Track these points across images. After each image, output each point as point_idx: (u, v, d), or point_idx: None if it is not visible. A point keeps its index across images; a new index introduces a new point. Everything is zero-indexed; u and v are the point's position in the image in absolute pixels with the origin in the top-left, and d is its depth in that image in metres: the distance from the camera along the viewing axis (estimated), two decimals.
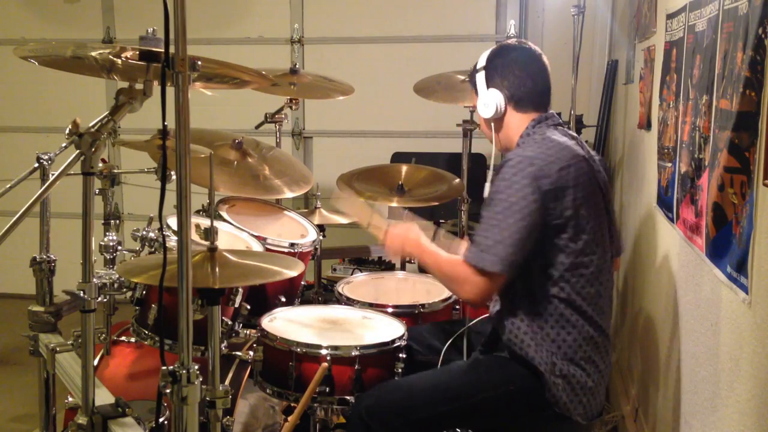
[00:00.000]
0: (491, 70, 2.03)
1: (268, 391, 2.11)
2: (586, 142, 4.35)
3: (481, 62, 2.05)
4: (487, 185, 2.01)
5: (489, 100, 2.01)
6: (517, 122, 2.02)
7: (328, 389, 2.00)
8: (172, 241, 2.24)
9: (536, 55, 2.05)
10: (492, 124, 2.06)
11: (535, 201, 1.82)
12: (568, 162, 1.88)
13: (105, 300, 2.24)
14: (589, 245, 1.89)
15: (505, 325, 1.96)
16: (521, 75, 2.02)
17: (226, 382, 2.28)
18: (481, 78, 2.04)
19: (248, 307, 2.24)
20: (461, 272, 1.88)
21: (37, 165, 2.08)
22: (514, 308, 1.94)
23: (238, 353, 2.38)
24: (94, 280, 1.70)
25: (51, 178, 1.73)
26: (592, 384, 1.91)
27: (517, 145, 2.00)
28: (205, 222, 1.90)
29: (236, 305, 2.19)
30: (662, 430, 2.36)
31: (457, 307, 2.56)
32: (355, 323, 2.28)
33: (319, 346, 2.03)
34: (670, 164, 2.31)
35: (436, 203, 3.17)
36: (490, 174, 2.04)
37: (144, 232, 2.42)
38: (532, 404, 1.93)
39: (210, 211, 1.95)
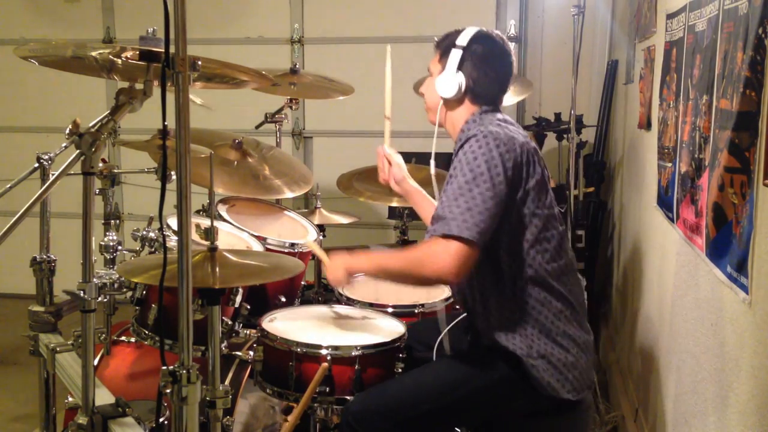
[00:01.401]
0: (468, 54, 2.00)
1: (268, 391, 2.11)
2: (586, 142, 4.38)
3: (462, 41, 2.00)
4: (432, 162, 2.11)
5: (452, 82, 1.99)
6: (465, 110, 2.04)
7: (328, 389, 2.00)
8: (172, 241, 2.24)
9: (511, 59, 2.05)
10: (441, 101, 2.05)
11: (501, 173, 1.83)
12: (524, 140, 1.91)
13: (105, 300, 2.24)
14: (550, 220, 1.92)
15: (476, 315, 1.99)
16: (492, 75, 2.02)
17: (226, 382, 2.28)
18: (455, 56, 1.99)
19: (248, 307, 2.24)
20: (426, 249, 1.83)
21: (37, 165, 2.08)
22: (481, 298, 1.96)
23: (238, 353, 2.37)
24: (94, 280, 1.70)
25: (51, 178, 1.73)
26: (572, 358, 1.90)
27: (462, 131, 2.01)
28: (205, 222, 1.91)
29: (236, 305, 2.19)
30: (662, 430, 2.36)
31: (457, 306, 2.56)
32: (355, 323, 2.28)
33: (319, 346, 2.03)
34: (670, 164, 2.31)
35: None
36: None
37: (144, 232, 2.42)
38: (520, 390, 1.92)
39: (210, 211, 1.96)
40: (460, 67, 1.99)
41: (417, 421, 1.89)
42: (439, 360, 2.07)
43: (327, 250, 2.23)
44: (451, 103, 2.04)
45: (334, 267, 2.04)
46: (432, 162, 2.15)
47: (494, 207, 1.81)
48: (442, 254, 1.78)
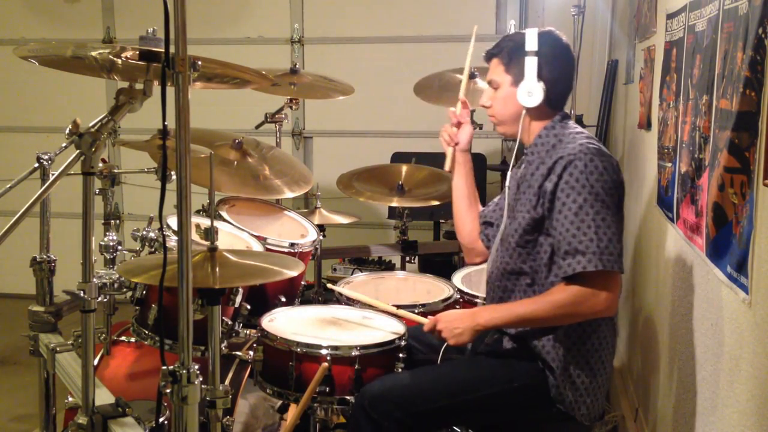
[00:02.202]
0: (542, 58, 1.94)
1: (268, 391, 2.11)
2: None
3: (531, 45, 1.94)
4: (509, 174, 2.04)
5: (536, 90, 1.93)
6: (541, 116, 1.99)
7: (328, 389, 2.00)
8: (172, 241, 2.23)
9: (573, 54, 2.02)
10: (524, 111, 1.98)
11: (617, 194, 1.84)
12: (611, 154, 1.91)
13: (105, 300, 2.24)
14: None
15: (531, 331, 1.95)
16: (564, 75, 1.99)
17: (226, 382, 2.28)
18: (532, 63, 1.93)
19: (248, 307, 2.24)
20: (581, 290, 1.80)
21: (37, 165, 2.08)
22: None
23: (238, 353, 2.37)
24: (94, 280, 1.70)
25: (51, 178, 1.73)
26: (595, 385, 1.93)
27: (540, 135, 1.98)
28: (205, 222, 1.90)
29: (236, 305, 2.19)
30: (662, 430, 2.36)
31: (457, 306, 2.56)
32: (355, 323, 2.28)
33: (319, 346, 2.03)
34: (670, 164, 2.31)
35: (437, 203, 3.17)
36: (512, 159, 2.02)
37: (144, 232, 2.41)
38: (534, 402, 1.93)
39: (210, 211, 1.95)
40: (540, 74, 1.94)
41: (430, 415, 1.90)
42: (462, 359, 2.06)
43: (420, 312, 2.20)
44: (531, 112, 1.98)
45: (457, 332, 1.94)
46: (509, 173, 2.06)
47: (622, 229, 1.83)
48: (601, 292, 1.80)
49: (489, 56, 2.04)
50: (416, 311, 2.42)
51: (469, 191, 2.27)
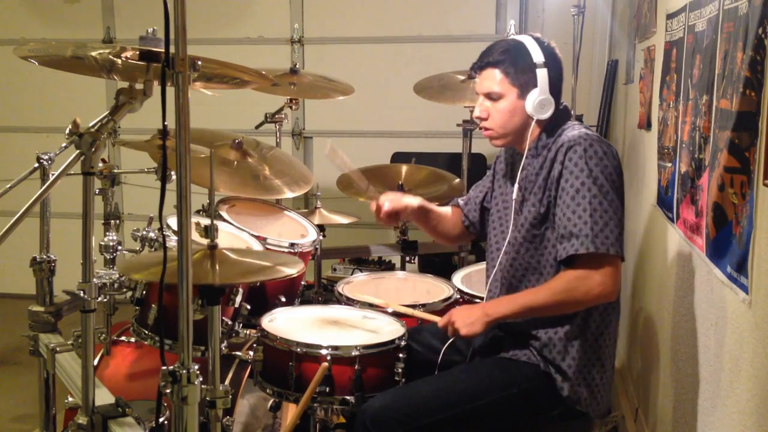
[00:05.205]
0: (550, 68, 1.91)
1: (268, 391, 2.11)
2: None
3: (539, 56, 1.90)
4: (516, 186, 1.99)
5: (548, 101, 1.91)
6: (540, 123, 1.96)
7: (328, 389, 2.00)
8: (172, 241, 2.24)
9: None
10: (532, 124, 1.94)
11: (617, 181, 1.83)
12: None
13: (105, 300, 2.24)
14: None
15: (535, 331, 1.94)
16: (561, 78, 1.95)
17: (226, 382, 2.28)
18: (544, 75, 1.90)
19: (248, 307, 2.24)
20: (573, 273, 1.79)
21: (37, 165, 2.08)
22: (557, 317, 1.91)
23: (238, 353, 2.37)
24: (94, 280, 1.70)
25: (51, 178, 1.73)
26: (606, 379, 1.95)
27: (539, 139, 1.96)
28: (205, 221, 1.90)
29: (236, 305, 2.19)
30: (662, 430, 2.36)
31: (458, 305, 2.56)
32: (355, 323, 2.28)
33: (319, 346, 2.03)
34: (670, 164, 2.31)
35: (436, 203, 3.17)
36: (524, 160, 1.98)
37: (144, 232, 2.42)
38: (536, 405, 1.94)
39: (210, 211, 1.95)
40: (551, 84, 1.91)
41: (434, 428, 1.89)
42: (460, 368, 2.05)
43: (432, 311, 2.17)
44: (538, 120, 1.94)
45: (469, 321, 1.91)
46: (516, 186, 1.99)
47: (622, 216, 1.82)
48: (596, 275, 1.78)
49: (485, 65, 1.95)
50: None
51: (428, 217, 2.29)
